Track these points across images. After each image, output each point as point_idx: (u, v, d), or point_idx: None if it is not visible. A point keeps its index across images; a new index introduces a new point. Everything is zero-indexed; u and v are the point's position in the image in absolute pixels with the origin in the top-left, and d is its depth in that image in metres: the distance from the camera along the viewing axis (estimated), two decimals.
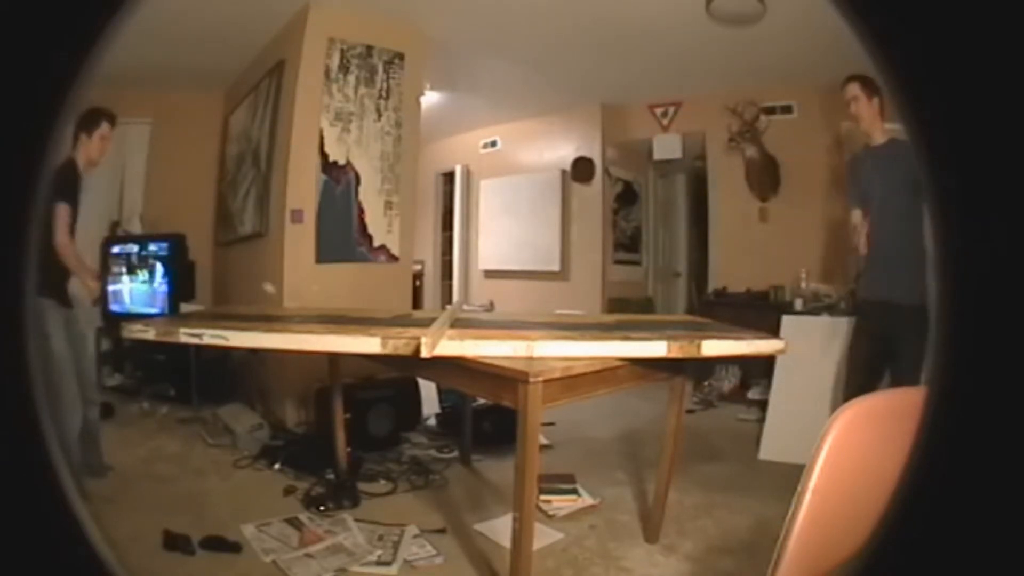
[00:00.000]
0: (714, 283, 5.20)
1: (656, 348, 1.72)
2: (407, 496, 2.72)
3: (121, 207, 4.91)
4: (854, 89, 2.66)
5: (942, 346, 0.42)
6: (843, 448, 0.77)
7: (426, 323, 1.95)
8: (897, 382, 2.57)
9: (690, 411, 4.02)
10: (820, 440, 0.77)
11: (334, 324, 2.15)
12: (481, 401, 3.09)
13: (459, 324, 2.09)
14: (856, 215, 2.76)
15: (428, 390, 3.61)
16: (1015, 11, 0.37)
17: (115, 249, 4.46)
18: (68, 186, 2.48)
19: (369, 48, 3.77)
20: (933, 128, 0.41)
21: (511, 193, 6.27)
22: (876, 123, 2.66)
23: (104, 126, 2.61)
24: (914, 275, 2.49)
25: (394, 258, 3.94)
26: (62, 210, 2.43)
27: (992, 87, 0.39)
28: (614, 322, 2.51)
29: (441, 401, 3.69)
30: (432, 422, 3.65)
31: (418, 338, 1.58)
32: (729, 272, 5.08)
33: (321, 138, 3.64)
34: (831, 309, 3.62)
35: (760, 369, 4.12)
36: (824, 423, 0.78)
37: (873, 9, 0.42)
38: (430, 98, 4.87)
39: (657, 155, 5.60)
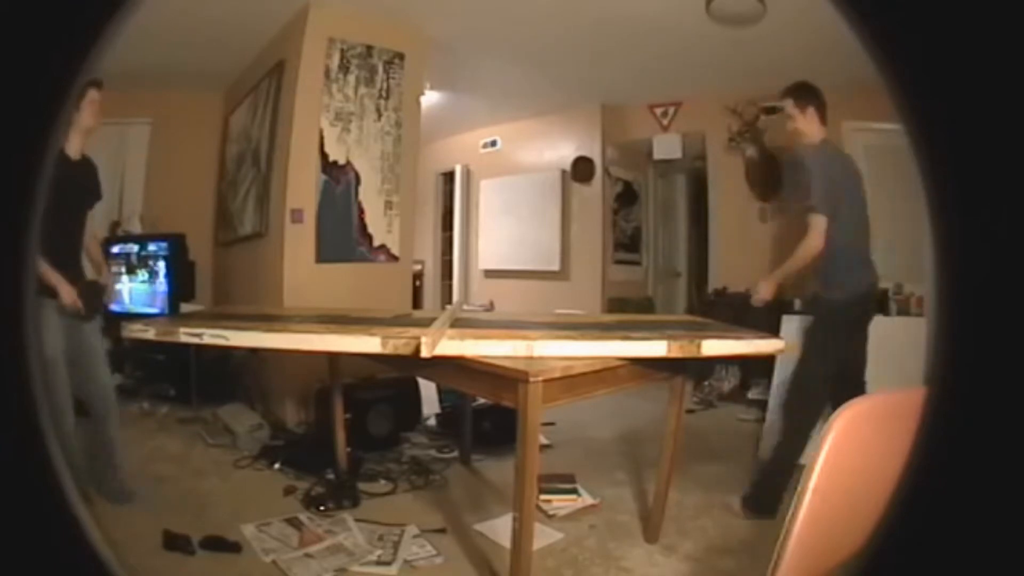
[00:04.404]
0: (714, 283, 5.21)
1: (656, 348, 1.72)
2: (407, 496, 2.71)
3: (121, 207, 4.91)
4: (788, 107, 2.61)
5: (942, 346, 0.42)
6: (843, 448, 0.77)
7: (426, 323, 1.95)
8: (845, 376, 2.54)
9: (690, 411, 4.02)
10: (820, 440, 0.77)
11: (334, 324, 2.15)
12: (481, 401, 3.09)
13: (459, 324, 2.09)
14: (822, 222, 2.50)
15: (428, 390, 3.61)
16: (1014, 11, 0.37)
17: (115, 249, 4.45)
18: None
19: (369, 48, 3.77)
20: (932, 127, 0.41)
21: (511, 193, 6.27)
22: (816, 132, 2.58)
23: (91, 92, 2.48)
24: (847, 273, 2.50)
25: (394, 258, 3.94)
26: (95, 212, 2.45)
27: (991, 87, 0.39)
28: (614, 322, 2.51)
29: (441, 401, 3.69)
30: (432, 422, 3.65)
31: (418, 338, 1.58)
32: (729, 272, 5.07)
33: (321, 138, 3.64)
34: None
35: (760, 369, 4.12)
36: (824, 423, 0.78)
37: (873, 9, 0.42)
38: (430, 98, 4.87)
39: (657, 155, 5.60)
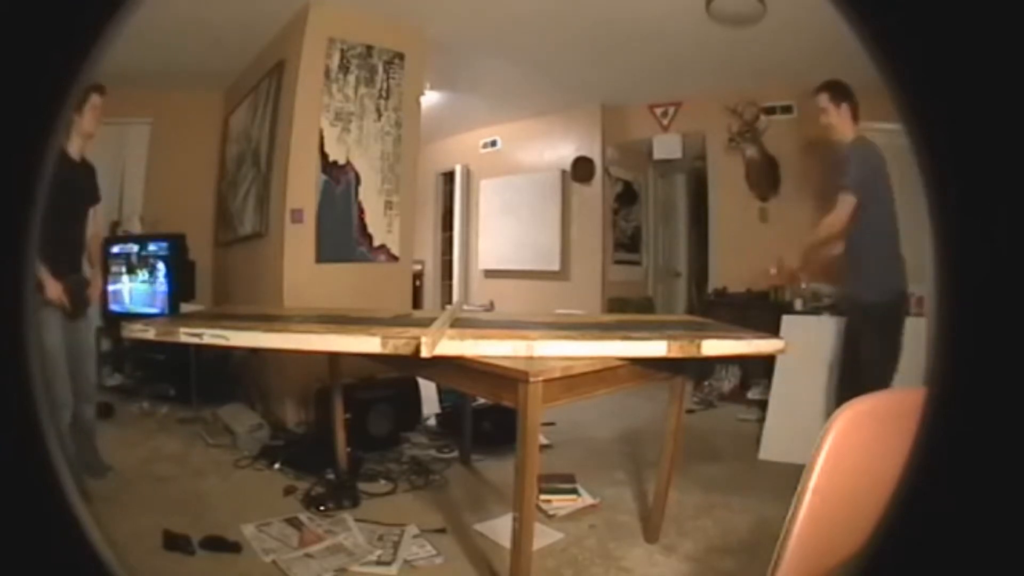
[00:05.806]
0: (714, 283, 5.20)
1: (656, 348, 1.72)
2: (407, 496, 2.71)
3: (121, 207, 4.91)
4: (822, 100, 2.67)
5: (942, 346, 0.42)
6: (843, 448, 0.77)
7: (426, 323, 1.95)
8: (859, 378, 2.57)
9: (690, 411, 4.01)
10: (820, 440, 0.77)
11: (334, 324, 2.15)
12: (481, 401, 3.09)
13: (459, 324, 2.09)
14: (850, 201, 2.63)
15: (428, 390, 3.61)
16: (1014, 11, 0.37)
17: (115, 249, 4.46)
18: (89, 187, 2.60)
19: (369, 48, 3.77)
20: (933, 128, 0.41)
21: (511, 193, 6.27)
22: (848, 129, 2.65)
23: (94, 97, 2.55)
24: (878, 272, 2.51)
25: (394, 258, 3.94)
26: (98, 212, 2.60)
27: (992, 87, 0.39)
28: (614, 322, 2.51)
29: (441, 401, 3.69)
30: (432, 422, 3.65)
31: (418, 338, 1.58)
32: (729, 272, 5.07)
33: (321, 138, 3.64)
34: (831, 309, 3.62)
35: (760, 369, 4.12)
36: (824, 423, 0.78)
37: (873, 9, 0.42)
38: (430, 98, 4.87)
39: (657, 155, 5.60)
